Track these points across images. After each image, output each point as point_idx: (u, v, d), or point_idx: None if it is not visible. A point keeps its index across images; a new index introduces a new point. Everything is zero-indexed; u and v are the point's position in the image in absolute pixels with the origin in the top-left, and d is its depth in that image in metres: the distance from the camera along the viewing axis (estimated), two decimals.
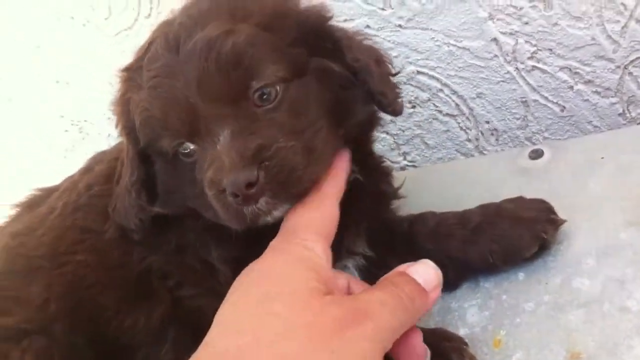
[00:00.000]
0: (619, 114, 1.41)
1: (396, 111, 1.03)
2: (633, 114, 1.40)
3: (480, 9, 1.34)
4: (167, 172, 1.00)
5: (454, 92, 1.48)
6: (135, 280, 1.10)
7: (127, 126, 1.01)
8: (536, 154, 1.30)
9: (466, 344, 1.02)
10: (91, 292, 1.10)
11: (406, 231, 1.16)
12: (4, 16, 1.66)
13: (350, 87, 1.00)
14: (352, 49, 0.98)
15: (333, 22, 1.01)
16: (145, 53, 0.97)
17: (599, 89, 1.38)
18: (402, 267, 0.92)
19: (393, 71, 1.08)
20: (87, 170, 1.22)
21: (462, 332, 1.08)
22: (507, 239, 1.08)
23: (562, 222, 1.10)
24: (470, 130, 1.53)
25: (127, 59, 1.60)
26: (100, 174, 1.17)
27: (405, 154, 1.63)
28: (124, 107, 1.00)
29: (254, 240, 1.00)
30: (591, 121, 1.43)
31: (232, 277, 1.02)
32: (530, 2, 1.30)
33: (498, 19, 1.34)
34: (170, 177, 1.00)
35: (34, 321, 1.06)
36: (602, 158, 1.21)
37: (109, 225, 1.10)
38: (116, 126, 1.07)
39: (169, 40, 0.93)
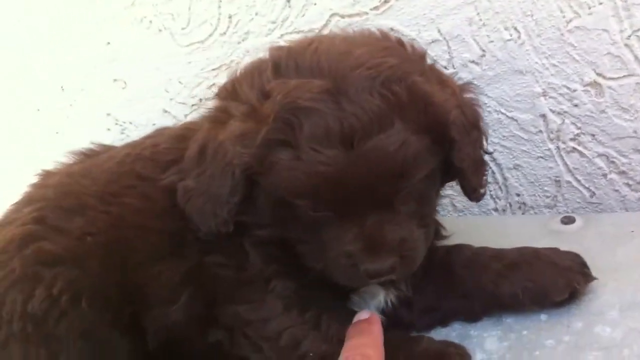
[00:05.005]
0: None
1: (478, 200, 1.15)
2: None
3: (536, 84, 1.43)
4: (276, 208, 1.04)
5: (493, 160, 1.54)
6: (173, 232, 1.13)
7: (254, 156, 1.00)
8: (568, 220, 1.37)
9: (470, 356, 1.08)
10: (129, 234, 1.13)
11: (442, 258, 1.20)
12: (80, 13, 1.74)
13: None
14: (461, 151, 1.06)
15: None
16: (296, 92, 0.98)
17: (630, 182, 1.46)
18: None
19: (487, 149, 1.18)
20: (151, 136, 1.28)
21: (479, 357, 1.11)
22: (542, 281, 1.13)
23: (594, 278, 1.15)
24: (500, 200, 1.60)
25: (193, 70, 1.68)
26: (169, 135, 1.22)
27: None
28: (263, 149, 0.99)
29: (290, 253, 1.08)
30: (616, 212, 1.49)
31: (260, 261, 1.10)
32: (584, 86, 1.40)
33: (550, 97, 1.43)
34: (279, 212, 1.04)
35: (71, 251, 1.10)
36: (632, 232, 1.28)
37: (167, 176, 1.13)
38: (232, 145, 1.02)
39: (344, 130, 0.96)
